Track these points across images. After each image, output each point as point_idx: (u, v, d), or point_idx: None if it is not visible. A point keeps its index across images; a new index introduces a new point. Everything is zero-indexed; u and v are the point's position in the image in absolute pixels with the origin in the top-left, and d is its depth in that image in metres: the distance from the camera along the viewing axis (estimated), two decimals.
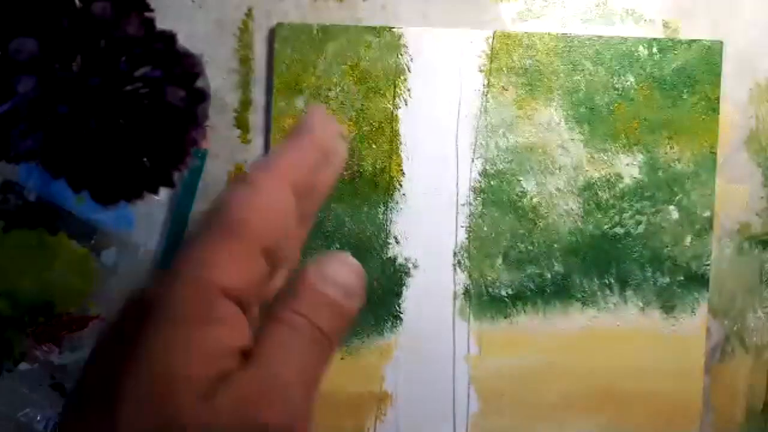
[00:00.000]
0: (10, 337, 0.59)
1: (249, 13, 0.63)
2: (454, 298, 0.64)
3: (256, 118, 0.64)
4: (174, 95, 0.55)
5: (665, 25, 0.64)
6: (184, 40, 0.56)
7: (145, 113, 0.54)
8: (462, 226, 0.64)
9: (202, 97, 0.56)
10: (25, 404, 0.60)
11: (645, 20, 0.64)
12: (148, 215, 0.62)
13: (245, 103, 0.64)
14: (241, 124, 0.64)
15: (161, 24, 0.55)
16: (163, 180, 0.57)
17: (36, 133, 0.53)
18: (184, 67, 0.56)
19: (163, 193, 0.62)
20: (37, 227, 0.60)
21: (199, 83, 0.56)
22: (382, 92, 0.63)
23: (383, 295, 0.63)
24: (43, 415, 0.60)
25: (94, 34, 0.53)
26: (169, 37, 0.55)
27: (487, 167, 0.64)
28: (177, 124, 0.56)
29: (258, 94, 0.64)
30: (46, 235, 0.60)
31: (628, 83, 0.64)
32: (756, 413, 0.65)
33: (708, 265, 0.64)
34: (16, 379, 0.60)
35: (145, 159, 0.56)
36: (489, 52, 0.63)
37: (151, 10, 0.54)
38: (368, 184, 0.63)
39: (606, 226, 0.64)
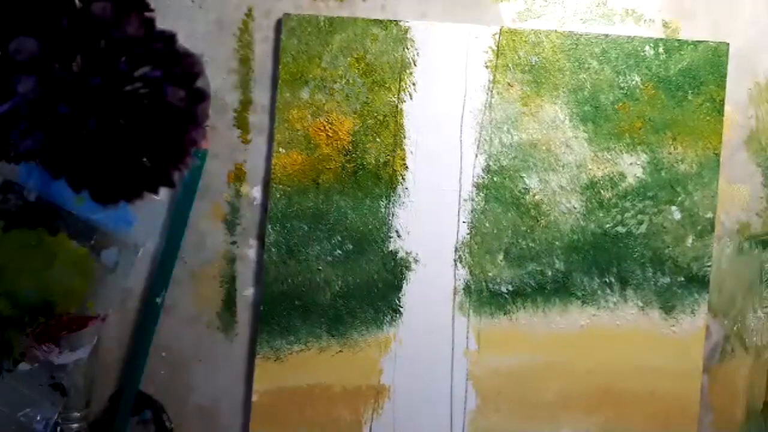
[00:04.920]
0: (10, 337, 0.59)
1: (249, 13, 0.63)
2: (454, 294, 0.64)
3: (256, 118, 0.64)
4: (174, 95, 0.54)
5: (665, 25, 0.65)
6: (184, 40, 0.56)
7: (145, 113, 0.54)
8: (464, 222, 0.64)
9: (202, 97, 0.56)
10: (25, 404, 0.60)
11: (645, 20, 0.65)
12: (148, 215, 0.62)
13: (245, 103, 0.63)
14: (241, 124, 0.63)
15: (161, 24, 0.54)
16: (163, 180, 0.56)
17: (36, 133, 0.53)
18: (184, 67, 0.55)
19: (163, 193, 0.62)
20: (37, 227, 0.59)
21: (199, 83, 0.56)
22: (387, 86, 0.63)
23: (383, 288, 0.64)
24: (43, 415, 0.60)
25: (94, 34, 0.52)
26: (169, 37, 0.55)
27: (491, 163, 0.64)
28: (177, 124, 0.55)
29: (258, 94, 0.63)
30: (46, 235, 0.59)
31: (634, 83, 0.64)
32: (756, 413, 0.66)
33: (709, 266, 0.65)
34: (16, 379, 0.60)
35: (145, 159, 0.55)
36: (495, 48, 0.63)
37: (151, 10, 0.54)
38: (371, 178, 0.63)
39: (608, 225, 0.64)
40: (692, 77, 0.64)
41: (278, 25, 0.63)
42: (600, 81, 0.64)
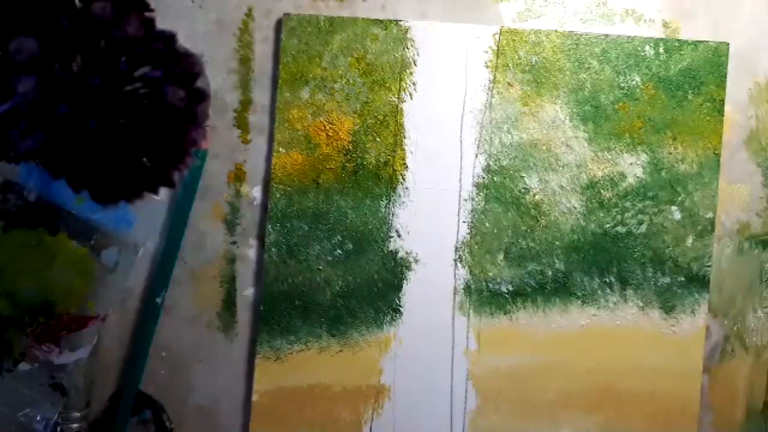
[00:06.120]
0: (10, 337, 0.59)
1: (249, 13, 0.63)
2: (454, 293, 0.64)
3: (256, 118, 0.64)
4: (174, 95, 0.54)
5: (665, 25, 0.65)
6: (184, 40, 0.56)
7: (145, 113, 0.54)
8: (464, 222, 0.64)
9: (202, 97, 0.56)
10: (25, 404, 0.60)
11: (645, 20, 0.65)
12: (148, 215, 0.62)
13: (245, 103, 0.63)
14: (241, 124, 0.63)
15: (161, 24, 0.54)
16: (163, 180, 0.56)
17: (36, 133, 0.53)
18: (184, 67, 0.55)
19: (163, 193, 0.62)
20: (37, 227, 0.59)
21: (199, 83, 0.56)
22: (387, 85, 0.63)
23: (383, 288, 0.64)
24: (43, 415, 0.60)
25: (94, 34, 0.52)
26: (169, 37, 0.55)
27: (491, 163, 0.64)
28: (177, 124, 0.55)
29: (258, 94, 0.63)
30: (46, 235, 0.59)
31: (634, 83, 0.64)
32: (756, 413, 0.66)
33: (709, 266, 0.65)
34: (16, 379, 0.60)
35: (145, 159, 0.55)
36: (495, 48, 0.63)
37: (151, 10, 0.54)
38: (371, 178, 0.63)
39: (608, 225, 0.64)
40: (692, 77, 0.64)
41: (278, 25, 0.63)
42: (600, 81, 0.64)
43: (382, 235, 0.64)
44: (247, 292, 0.64)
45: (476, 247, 0.64)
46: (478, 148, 0.63)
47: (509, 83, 0.63)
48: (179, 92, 0.54)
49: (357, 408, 0.64)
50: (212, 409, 0.64)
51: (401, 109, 0.63)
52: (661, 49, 0.64)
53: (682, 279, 0.64)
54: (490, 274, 0.64)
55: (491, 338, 0.64)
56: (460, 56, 0.63)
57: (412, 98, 0.63)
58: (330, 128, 0.63)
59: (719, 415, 0.66)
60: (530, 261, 0.64)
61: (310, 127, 0.63)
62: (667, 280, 0.64)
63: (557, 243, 0.64)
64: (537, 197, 0.64)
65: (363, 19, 0.63)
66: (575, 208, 0.64)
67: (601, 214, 0.64)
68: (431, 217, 0.64)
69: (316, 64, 0.63)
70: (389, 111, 0.63)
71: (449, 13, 0.64)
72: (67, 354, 0.60)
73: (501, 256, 0.64)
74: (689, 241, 0.64)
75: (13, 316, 0.59)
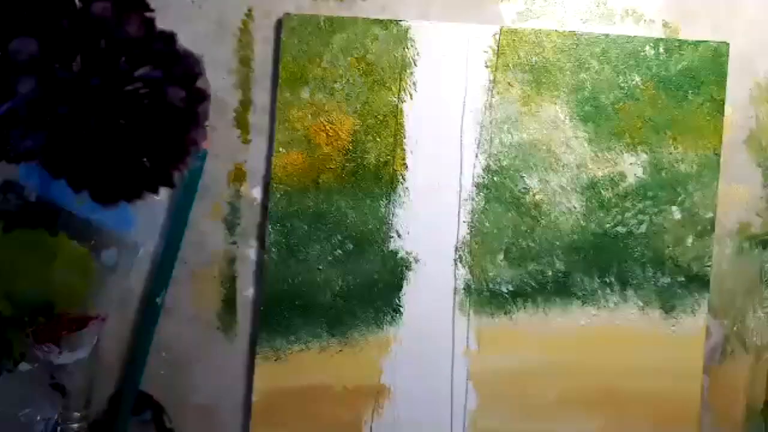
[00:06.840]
0: (10, 337, 0.59)
1: (249, 13, 0.63)
2: (455, 293, 0.64)
3: (256, 118, 0.64)
4: (174, 95, 0.54)
5: (665, 25, 0.65)
6: (184, 40, 0.56)
7: (145, 113, 0.54)
8: (464, 222, 0.64)
9: (202, 97, 0.56)
10: (25, 404, 0.60)
11: (645, 20, 0.65)
12: (148, 215, 0.62)
13: (245, 103, 0.63)
14: (241, 124, 0.63)
15: (161, 24, 0.54)
16: (163, 180, 0.56)
17: (36, 133, 0.53)
18: (184, 67, 0.55)
19: (163, 193, 0.62)
20: (37, 227, 0.59)
21: (200, 83, 0.56)
22: (387, 85, 0.63)
23: (383, 288, 0.64)
24: (43, 415, 0.60)
25: (94, 34, 0.53)
26: (169, 37, 0.55)
27: (491, 163, 0.64)
28: (177, 124, 0.56)
29: (258, 94, 0.63)
30: (46, 235, 0.59)
31: (634, 82, 0.64)
32: (756, 413, 0.66)
33: (709, 266, 0.65)
34: (16, 379, 0.60)
35: (145, 159, 0.56)
36: (495, 48, 0.63)
37: (151, 10, 0.54)
38: (371, 178, 0.63)
39: (608, 225, 0.64)
40: (692, 77, 0.64)
41: (278, 25, 0.63)
42: (600, 81, 0.64)
43: (382, 235, 0.63)
44: (247, 292, 0.64)
45: (476, 247, 0.64)
46: (478, 148, 0.63)
47: (509, 83, 0.63)
48: (179, 92, 0.54)
49: (357, 408, 0.64)
50: (212, 409, 0.64)
51: (401, 109, 0.63)
52: (661, 49, 0.64)
53: (682, 279, 0.64)
54: (490, 274, 0.64)
55: (491, 338, 0.64)
56: (460, 56, 0.63)
57: (412, 98, 0.63)
58: (330, 128, 0.63)
59: (719, 415, 0.66)
60: (530, 261, 0.64)
61: (310, 127, 0.63)
62: (667, 280, 0.64)
63: (557, 243, 0.64)
64: (537, 197, 0.64)
65: (363, 19, 0.63)
66: (575, 208, 0.64)
67: (601, 214, 0.64)
68: (431, 217, 0.64)
69: (316, 64, 0.63)
70: (389, 111, 0.63)
71: (449, 13, 0.64)
72: (67, 354, 0.60)
73: (501, 256, 0.64)
74: (689, 241, 0.64)
75: (13, 316, 0.59)
